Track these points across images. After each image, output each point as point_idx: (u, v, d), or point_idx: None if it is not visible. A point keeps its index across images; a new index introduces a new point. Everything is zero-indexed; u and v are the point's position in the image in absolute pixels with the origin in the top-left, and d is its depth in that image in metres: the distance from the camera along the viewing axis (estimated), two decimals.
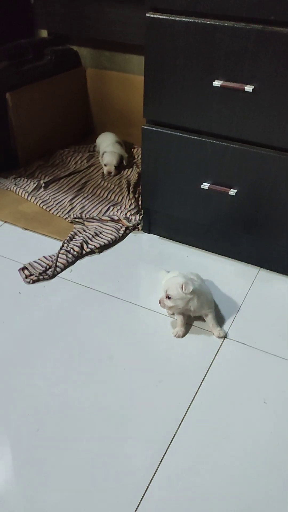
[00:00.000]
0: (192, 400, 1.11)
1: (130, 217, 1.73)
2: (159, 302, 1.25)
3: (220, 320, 1.33)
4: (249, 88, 1.20)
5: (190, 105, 1.32)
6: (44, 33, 2.19)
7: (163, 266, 1.52)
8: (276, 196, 1.34)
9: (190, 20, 1.20)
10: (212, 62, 1.23)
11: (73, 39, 2.20)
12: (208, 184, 1.41)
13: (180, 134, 1.38)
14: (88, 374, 1.17)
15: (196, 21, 1.19)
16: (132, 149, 2.25)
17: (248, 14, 1.13)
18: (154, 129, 1.42)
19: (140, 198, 1.82)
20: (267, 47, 1.14)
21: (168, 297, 1.23)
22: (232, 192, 1.39)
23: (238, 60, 1.19)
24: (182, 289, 1.21)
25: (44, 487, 0.93)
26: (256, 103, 1.23)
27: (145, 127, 1.43)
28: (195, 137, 1.36)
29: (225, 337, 1.28)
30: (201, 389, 1.14)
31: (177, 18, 1.21)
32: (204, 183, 1.42)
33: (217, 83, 1.24)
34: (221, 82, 1.23)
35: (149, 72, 1.33)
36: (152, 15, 1.23)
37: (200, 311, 1.28)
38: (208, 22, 1.18)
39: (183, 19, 1.20)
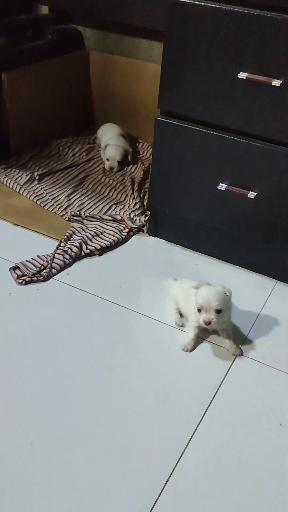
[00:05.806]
0: (201, 419, 1.15)
1: (135, 218, 1.77)
2: (206, 323, 1.22)
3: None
4: (277, 83, 1.28)
5: (211, 97, 1.38)
6: (45, 10, 2.25)
7: (170, 273, 1.55)
8: None
9: (217, 6, 1.27)
10: (238, 52, 1.29)
11: (77, 18, 2.25)
12: (225, 185, 1.47)
13: (198, 128, 1.44)
14: (86, 387, 1.19)
15: (224, 7, 1.26)
16: (137, 144, 2.30)
17: (280, 3, 1.20)
18: (169, 121, 1.47)
19: (145, 197, 1.87)
20: None
21: (218, 311, 1.22)
22: (252, 195, 1.44)
23: (267, 52, 1.26)
24: (228, 295, 1.24)
25: (38, 503, 0.97)
26: (284, 98, 1.29)
27: (159, 118, 1.48)
28: (214, 133, 1.42)
29: (241, 355, 1.32)
30: (211, 407, 1.18)
31: (202, 3, 1.28)
32: (221, 184, 1.47)
33: (242, 75, 1.31)
34: (247, 74, 1.30)
35: (168, 58, 1.38)
36: None
37: (222, 324, 1.30)
38: (236, 10, 1.25)
39: (209, 5, 1.28)
